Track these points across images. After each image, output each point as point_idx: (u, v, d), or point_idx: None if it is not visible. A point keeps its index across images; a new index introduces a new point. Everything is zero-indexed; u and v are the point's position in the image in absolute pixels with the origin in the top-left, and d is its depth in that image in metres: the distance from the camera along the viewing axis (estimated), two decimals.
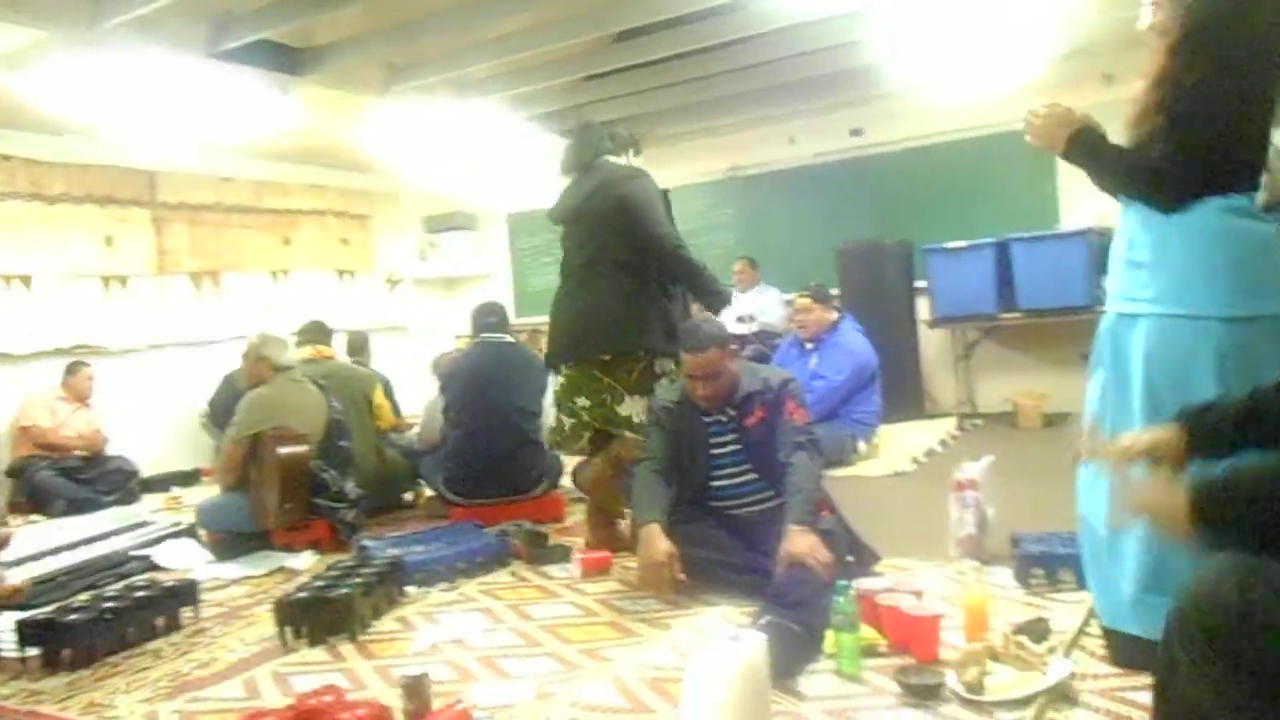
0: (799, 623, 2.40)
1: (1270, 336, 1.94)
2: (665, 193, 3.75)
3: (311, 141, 7.38)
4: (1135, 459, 1.59)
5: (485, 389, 4.50)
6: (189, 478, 6.56)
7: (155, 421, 6.82)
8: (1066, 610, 2.64)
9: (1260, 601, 1.23)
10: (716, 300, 3.66)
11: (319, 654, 2.87)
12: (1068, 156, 2.16)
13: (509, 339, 4.78)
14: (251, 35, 5.10)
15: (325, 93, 5.99)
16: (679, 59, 6.36)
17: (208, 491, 5.12)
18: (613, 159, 3.80)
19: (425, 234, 9.53)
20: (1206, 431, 1.55)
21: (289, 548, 4.13)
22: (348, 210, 8.83)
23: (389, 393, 5.19)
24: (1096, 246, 5.72)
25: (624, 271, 3.58)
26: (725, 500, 3.19)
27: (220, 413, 5.90)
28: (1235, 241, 1.98)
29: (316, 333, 5.27)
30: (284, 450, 4.08)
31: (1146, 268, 2.08)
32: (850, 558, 2.99)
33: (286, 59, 5.61)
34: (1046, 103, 2.19)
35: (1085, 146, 2.13)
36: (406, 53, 5.94)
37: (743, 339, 6.72)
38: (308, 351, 5.07)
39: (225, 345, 6.87)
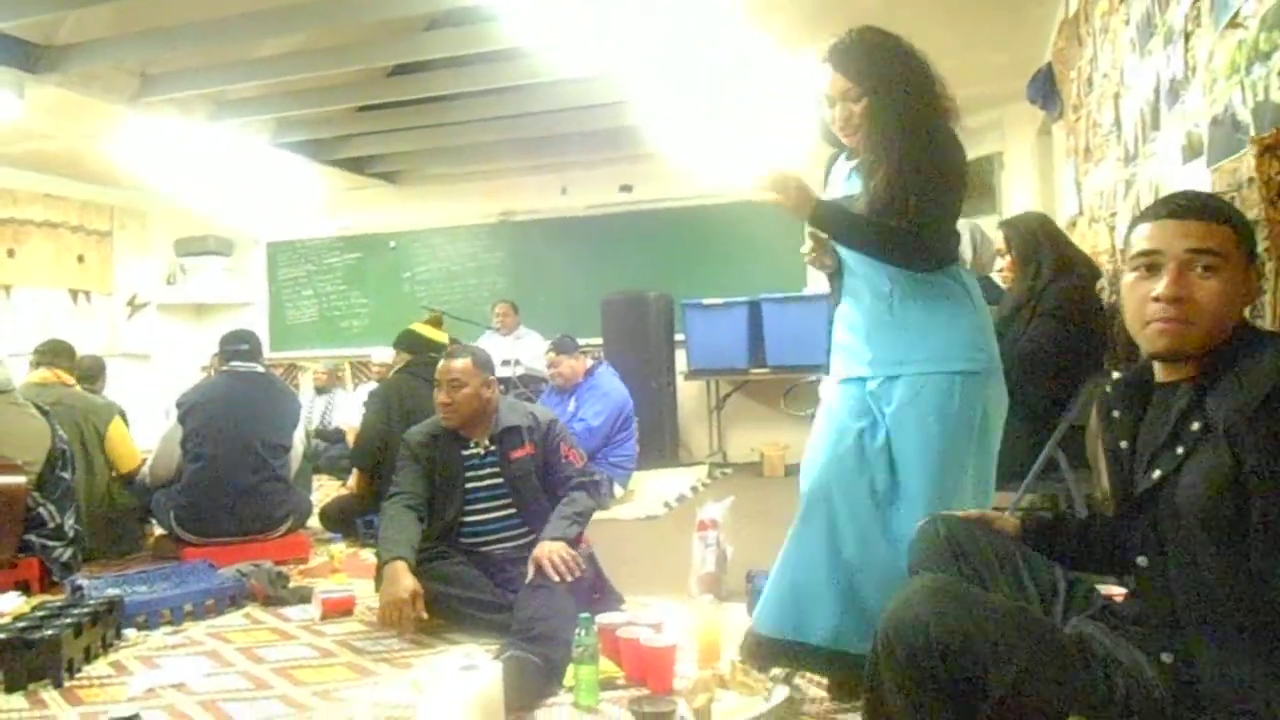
0: (539, 655, 2.43)
1: (993, 383, 2.24)
2: None
3: (48, 147, 6.79)
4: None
5: (230, 420, 4.26)
6: None
7: None
8: None
9: (955, 624, 1.38)
10: None
11: (18, 701, 2.60)
12: (814, 220, 2.23)
13: (259, 369, 4.56)
14: None
15: (67, 96, 5.55)
16: (455, 99, 6.38)
17: None
18: None
19: (175, 256, 8.94)
20: (1040, 535, 1.73)
21: None
22: (86, 225, 8.16)
23: (126, 427, 4.77)
24: None
25: None
26: (478, 537, 3.18)
27: None
28: (977, 302, 2.24)
29: (55, 354, 4.78)
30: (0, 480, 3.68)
31: (912, 330, 2.19)
32: (596, 595, 3.06)
33: (24, 55, 5.15)
34: (775, 169, 2.21)
35: (833, 212, 2.22)
36: (161, 62, 5.61)
37: (506, 383, 6.76)
38: (43, 374, 4.62)
39: None
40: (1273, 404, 1.25)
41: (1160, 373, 1.47)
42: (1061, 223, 4.91)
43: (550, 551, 2.83)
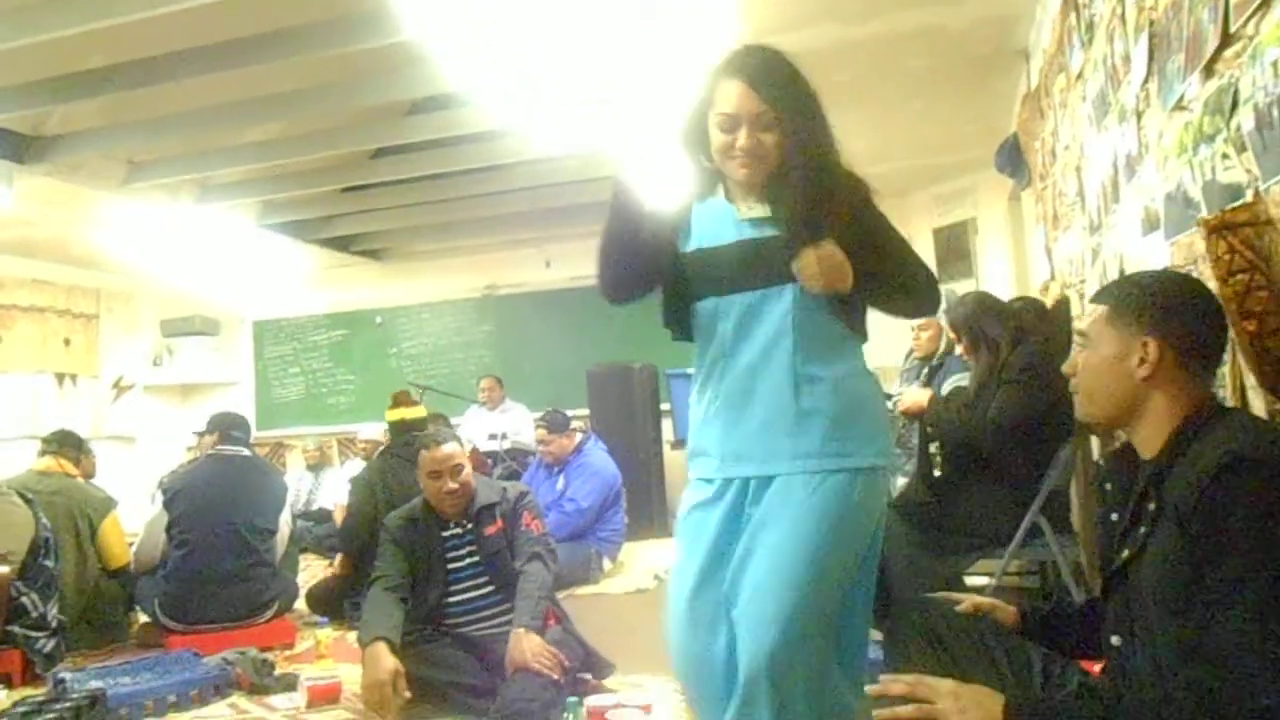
0: None
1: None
2: None
3: (35, 233, 6.86)
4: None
5: (216, 505, 4.24)
6: None
7: None
8: None
9: None
10: None
11: None
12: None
13: (246, 452, 4.56)
14: None
15: (55, 184, 5.63)
16: (437, 179, 6.49)
17: None
18: None
19: (162, 337, 8.97)
20: (1041, 627, 1.74)
21: None
22: (72, 309, 8.20)
23: (120, 524, 4.75)
24: None
25: None
26: (462, 617, 3.17)
27: None
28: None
29: (62, 444, 4.77)
30: None
31: (842, 423, 1.77)
32: (585, 674, 3.05)
33: (12, 145, 5.24)
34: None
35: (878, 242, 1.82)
36: (149, 150, 5.71)
37: (494, 457, 6.76)
38: (47, 462, 4.60)
39: None
40: (1220, 480, 1.27)
41: (1139, 448, 1.51)
42: (1034, 287, 5.01)
43: (528, 654, 2.80)
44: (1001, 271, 6.00)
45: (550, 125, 4.95)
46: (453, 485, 3.15)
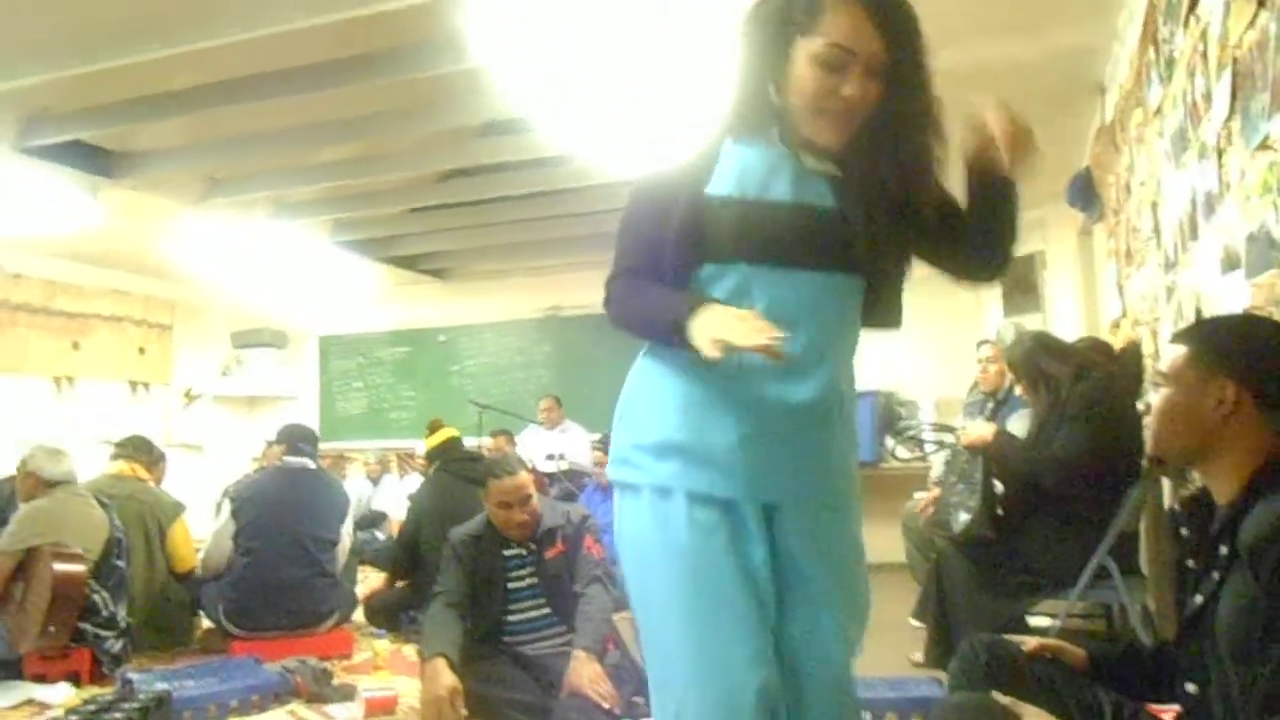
0: None
1: None
2: None
3: (116, 245, 7.10)
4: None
5: (280, 515, 4.34)
6: None
7: None
8: None
9: None
10: None
11: None
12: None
13: (311, 464, 4.66)
14: (66, 135, 4.96)
15: (138, 198, 5.84)
16: (503, 201, 6.59)
17: None
18: None
19: (232, 349, 9.21)
20: (1110, 670, 1.73)
21: (42, 678, 3.77)
22: (149, 318, 8.45)
23: (188, 528, 4.89)
24: (881, 407, 6.20)
25: None
26: (520, 636, 3.19)
27: None
28: None
29: (135, 449, 4.93)
30: (60, 567, 3.76)
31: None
32: (638, 698, 3.04)
33: (100, 161, 5.45)
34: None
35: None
36: (228, 167, 5.89)
37: (551, 477, 6.80)
38: (120, 466, 4.76)
39: None
40: None
41: (1213, 493, 1.49)
42: (1105, 324, 4.92)
43: (585, 680, 2.79)
44: (1070, 306, 5.89)
45: (614, 151, 5.02)
46: (522, 517, 3.17)
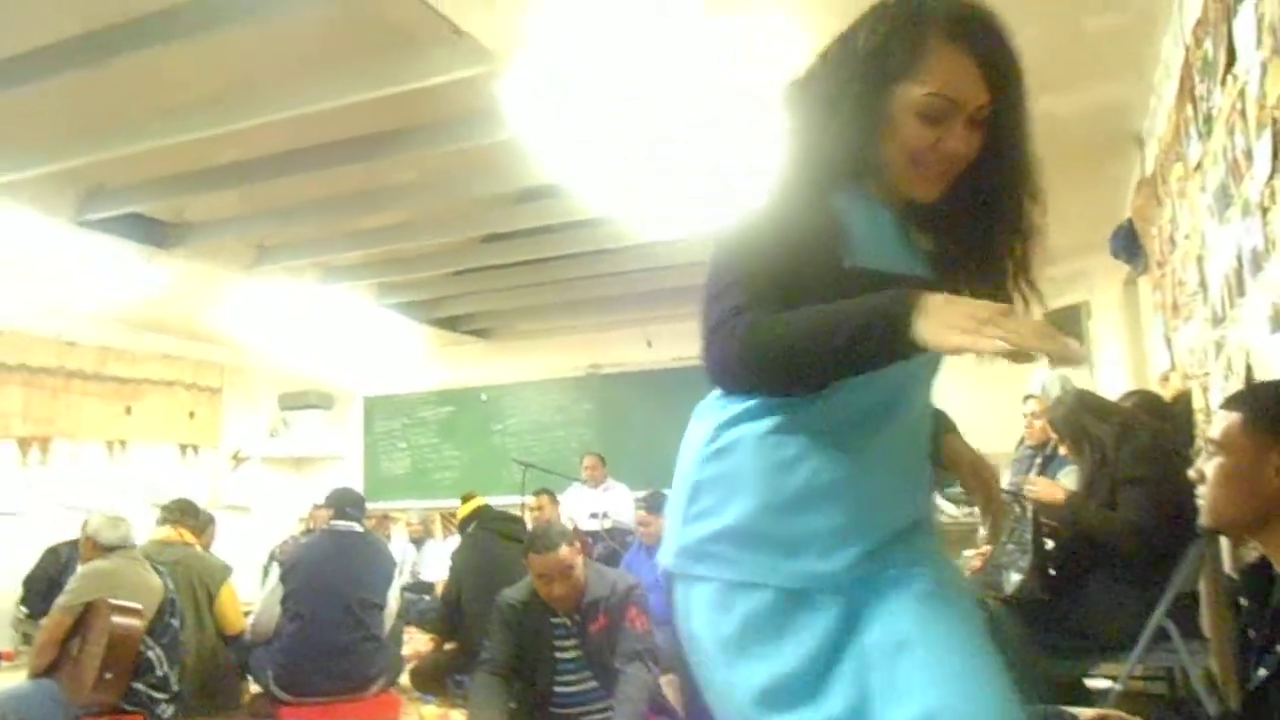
0: None
1: None
2: None
3: (168, 311, 7.28)
4: None
5: (329, 579, 4.37)
6: None
7: None
8: None
9: None
10: None
11: None
12: None
13: (359, 528, 4.70)
14: (122, 208, 5.14)
15: (190, 266, 6.00)
16: (543, 262, 6.68)
17: (6, 679, 4.69)
18: None
19: (279, 411, 9.35)
20: None
21: None
22: (198, 382, 8.62)
23: (235, 590, 4.94)
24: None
25: None
26: (568, 708, 3.18)
27: (39, 588, 5.52)
28: None
29: (180, 513, 5.00)
30: (117, 620, 3.81)
31: None
32: None
33: (155, 232, 5.63)
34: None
35: None
36: (276, 235, 6.05)
37: (595, 536, 6.78)
38: (167, 532, 4.83)
39: (47, 518, 6.47)
40: None
41: (1272, 561, 1.47)
42: (1152, 375, 4.85)
43: None
44: (1117, 357, 5.82)
45: (649, 213, 5.09)
46: (563, 590, 3.16)
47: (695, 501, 1.31)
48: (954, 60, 1.20)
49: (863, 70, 1.23)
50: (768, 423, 1.27)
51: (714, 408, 1.35)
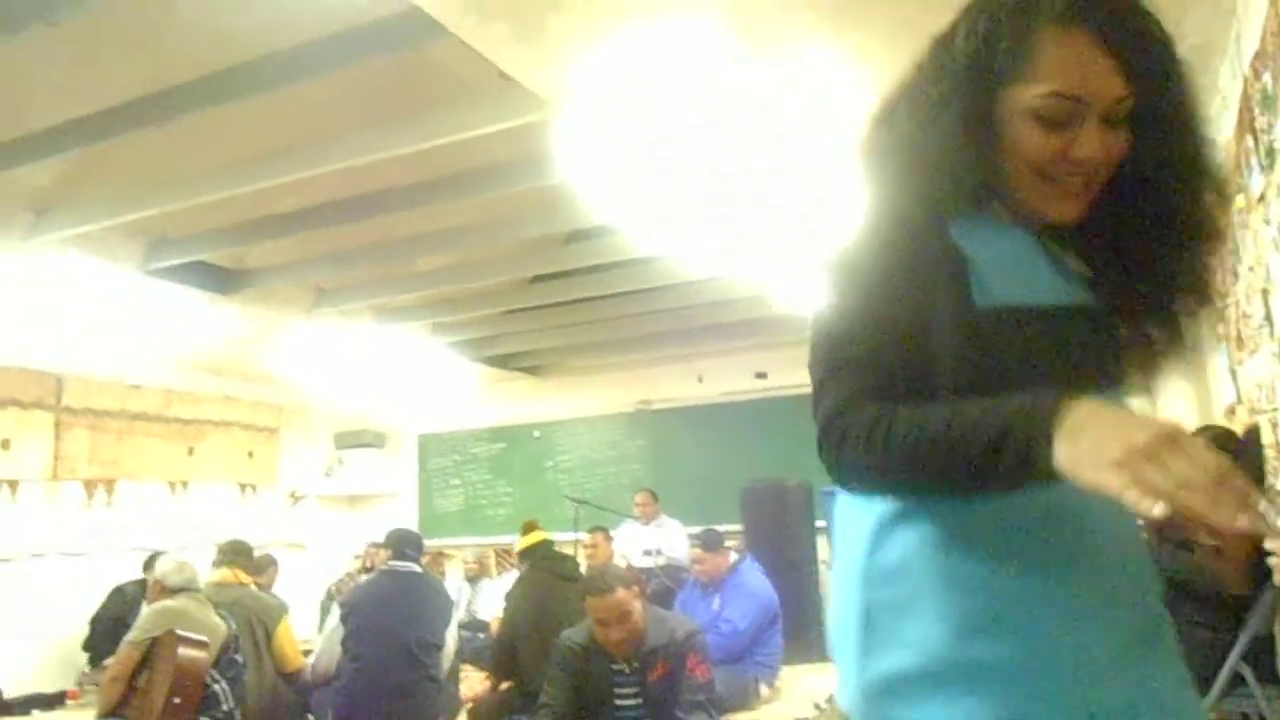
0: None
1: None
2: None
3: (229, 354, 7.45)
4: None
5: (388, 620, 4.41)
6: (53, 701, 6.11)
7: (27, 638, 6.41)
8: None
9: None
10: None
11: None
12: None
13: (417, 569, 4.74)
14: (187, 256, 5.29)
15: (251, 310, 6.15)
16: (592, 300, 6.75)
17: (74, 717, 4.79)
18: None
19: (335, 449, 9.48)
20: None
21: None
22: (256, 423, 8.78)
23: (292, 628, 5.00)
24: None
25: None
26: None
27: (104, 628, 5.63)
28: None
29: (235, 554, 5.09)
30: (185, 651, 3.89)
31: None
32: None
33: (218, 278, 5.79)
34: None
35: None
36: (334, 279, 6.18)
37: (648, 573, 6.76)
38: (223, 573, 4.91)
39: (112, 558, 6.61)
40: None
41: None
42: (1216, 408, 4.74)
43: None
44: (1179, 389, 5.70)
45: (696, 250, 5.12)
46: (621, 635, 3.15)
47: (871, 631, 1.08)
48: (1074, 49, 0.98)
49: (965, 77, 1.03)
50: (937, 529, 1.02)
51: (861, 504, 1.12)
